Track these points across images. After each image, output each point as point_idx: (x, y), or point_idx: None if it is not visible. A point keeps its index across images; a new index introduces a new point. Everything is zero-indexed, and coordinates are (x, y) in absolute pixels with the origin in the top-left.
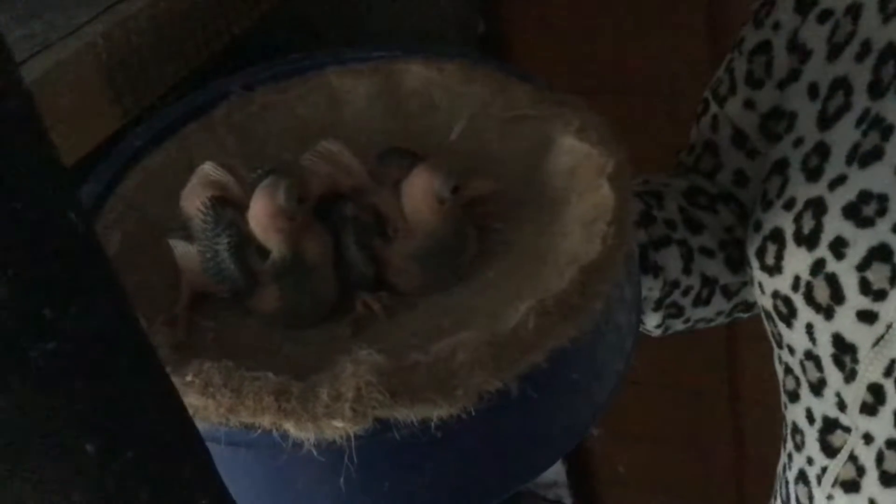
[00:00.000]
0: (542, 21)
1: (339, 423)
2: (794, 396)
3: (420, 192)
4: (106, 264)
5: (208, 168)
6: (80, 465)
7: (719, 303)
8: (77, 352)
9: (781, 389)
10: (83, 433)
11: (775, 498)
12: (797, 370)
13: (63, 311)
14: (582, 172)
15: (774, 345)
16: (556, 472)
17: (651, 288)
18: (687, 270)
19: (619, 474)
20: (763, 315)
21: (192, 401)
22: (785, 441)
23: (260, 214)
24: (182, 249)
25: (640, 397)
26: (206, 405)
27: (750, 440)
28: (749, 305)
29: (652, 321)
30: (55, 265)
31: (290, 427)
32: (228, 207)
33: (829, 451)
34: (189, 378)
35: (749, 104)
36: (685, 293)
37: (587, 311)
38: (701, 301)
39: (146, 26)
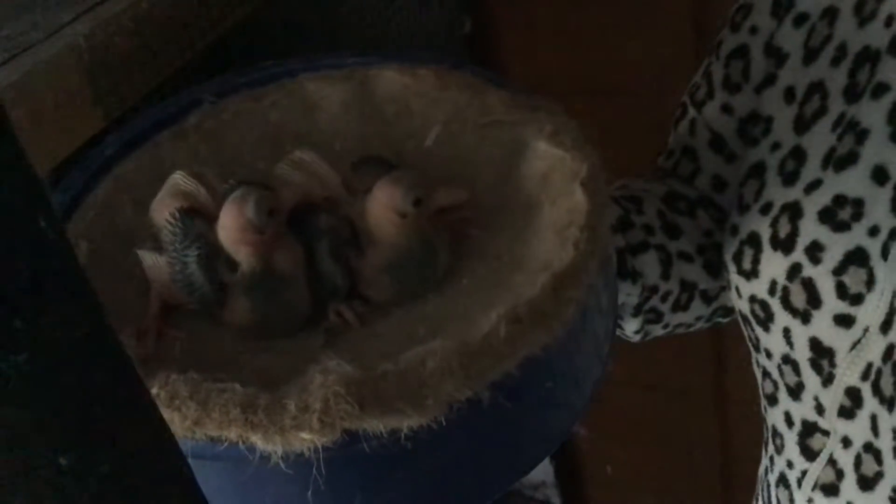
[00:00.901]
0: (529, 21)
1: (306, 435)
2: (772, 400)
3: (381, 206)
4: (79, 273)
5: (178, 178)
6: (53, 481)
7: (698, 308)
8: (49, 364)
9: (761, 393)
10: (56, 447)
11: (757, 500)
12: (775, 374)
13: (34, 322)
14: (555, 177)
15: (752, 349)
16: (545, 472)
17: (629, 293)
18: (665, 276)
19: (607, 474)
20: (740, 319)
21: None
22: (766, 444)
23: (229, 227)
24: (151, 261)
25: (627, 398)
26: (171, 418)
27: (736, 440)
28: (728, 310)
29: (631, 327)
30: (25, 274)
31: (257, 440)
32: (198, 219)
33: (809, 454)
34: (155, 390)
35: (727, 108)
36: (664, 298)
37: (560, 317)
38: (680, 306)
39: (128, 27)
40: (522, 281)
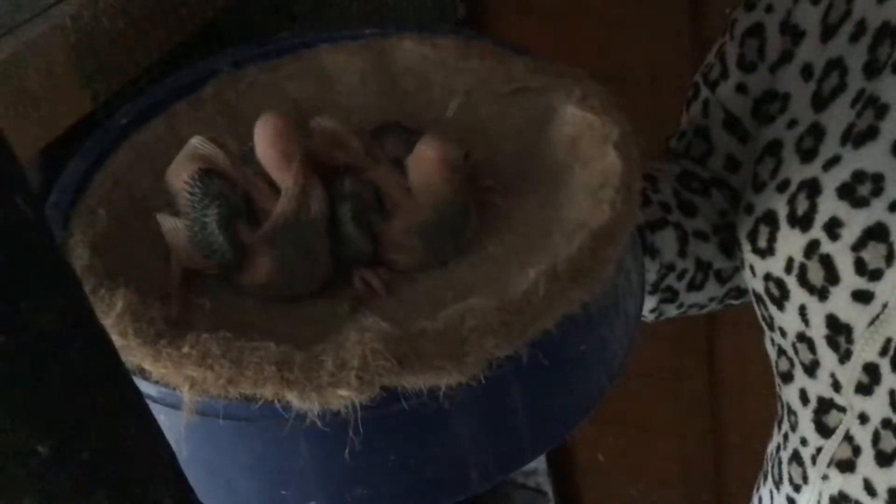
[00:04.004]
0: (523, 5)
1: (344, 392)
2: (787, 377)
3: (432, 161)
4: (57, 254)
5: (196, 142)
6: (32, 468)
7: (712, 288)
8: (29, 348)
9: (774, 371)
10: (34, 434)
11: (765, 479)
12: (790, 352)
13: (13, 305)
14: (585, 141)
15: (765, 327)
16: (536, 459)
17: (648, 270)
18: (682, 253)
19: (599, 462)
20: (753, 298)
21: (189, 372)
22: (780, 422)
23: (268, 135)
24: (170, 224)
25: (619, 384)
26: (204, 377)
27: (729, 426)
28: (741, 291)
29: (647, 305)
30: (3, 256)
31: (293, 398)
32: (217, 179)
33: (824, 431)
34: (186, 350)
35: (741, 88)
36: (680, 277)
37: (598, 275)
38: (695, 286)
39: (116, 8)
40: (557, 242)
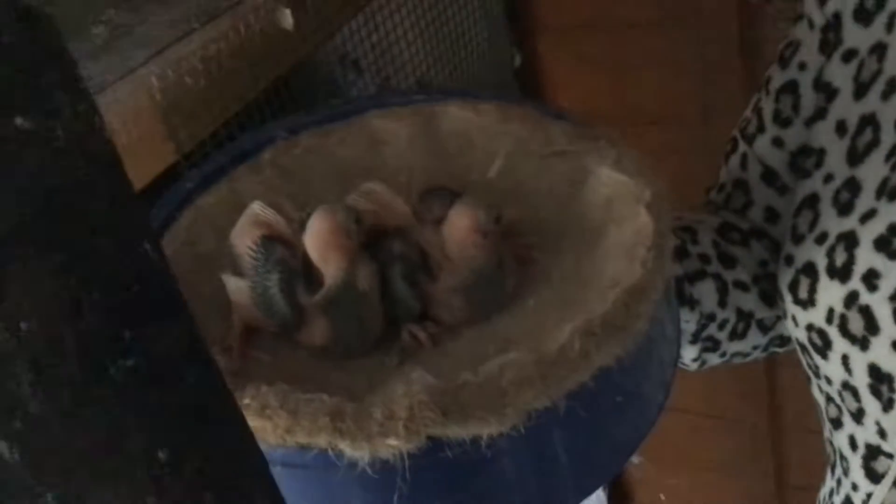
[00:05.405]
0: (577, 54)
1: (392, 442)
2: (837, 424)
3: (463, 228)
4: (177, 290)
5: (257, 207)
6: (155, 472)
7: (755, 337)
8: (151, 368)
9: (825, 417)
10: (156, 442)
11: None
12: (837, 399)
13: (140, 331)
14: (619, 202)
15: (812, 375)
16: (598, 498)
17: (687, 321)
18: (722, 304)
19: (661, 501)
20: (798, 348)
21: (249, 422)
22: (833, 467)
23: (321, 230)
24: (234, 285)
25: (681, 425)
26: (263, 426)
27: (791, 468)
28: (785, 340)
29: (689, 354)
30: (133, 291)
31: (345, 446)
32: (278, 245)
33: (874, 476)
34: (246, 401)
35: (777, 142)
36: (721, 326)
37: (632, 331)
38: (737, 335)
39: (198, 67)
40: (592, 298)
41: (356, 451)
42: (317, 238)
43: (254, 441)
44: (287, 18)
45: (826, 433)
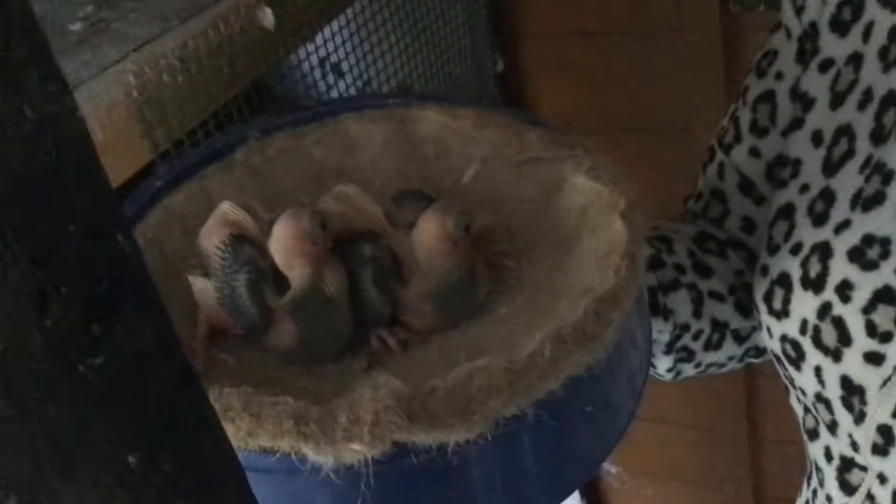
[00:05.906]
0: (559, 62)
1: (357, 447)
2: (813, 434)
3: (432, 235)
4: (150, 285)
5: (226, 207)
6: (124, 476)
7: (730, 347)
8: (122, 367)
9: (802, 428)
10: (126, 445)
11: None
12: (813, 411)
13: (110, 328)
14: (594, 211)
15: (789, 386)
16: None
17: (661, 331)
18: (697, 314)
19: None
20: (773, 358)
21: None
22: (809, 477)
23: (284, 237)
24: (200, 285)
25: (658, 434)
26: (225, 429)
27: (769, 479)
28: (761, 350)
29: (663, 365)
30: (104, 285)
31: (308, 451)
32: (246, 245)
33: (848, 489)
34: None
35: (754, 152)
36: (696, 337)
37: (602, 339)
38: (711, 345)
39: (176, 65)
40: (564, 306)
41: (320, 456)
42: (280, 244)
43: (229, 446)
44: (268, 17)
45: (804, 444)
